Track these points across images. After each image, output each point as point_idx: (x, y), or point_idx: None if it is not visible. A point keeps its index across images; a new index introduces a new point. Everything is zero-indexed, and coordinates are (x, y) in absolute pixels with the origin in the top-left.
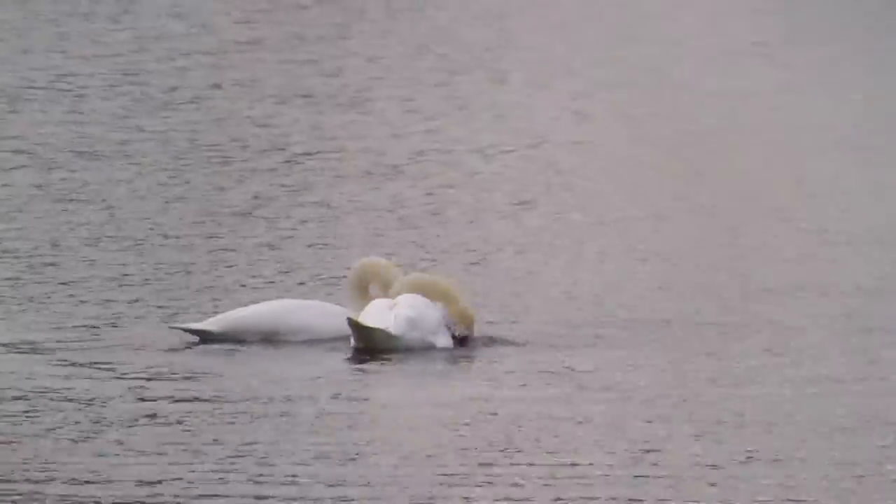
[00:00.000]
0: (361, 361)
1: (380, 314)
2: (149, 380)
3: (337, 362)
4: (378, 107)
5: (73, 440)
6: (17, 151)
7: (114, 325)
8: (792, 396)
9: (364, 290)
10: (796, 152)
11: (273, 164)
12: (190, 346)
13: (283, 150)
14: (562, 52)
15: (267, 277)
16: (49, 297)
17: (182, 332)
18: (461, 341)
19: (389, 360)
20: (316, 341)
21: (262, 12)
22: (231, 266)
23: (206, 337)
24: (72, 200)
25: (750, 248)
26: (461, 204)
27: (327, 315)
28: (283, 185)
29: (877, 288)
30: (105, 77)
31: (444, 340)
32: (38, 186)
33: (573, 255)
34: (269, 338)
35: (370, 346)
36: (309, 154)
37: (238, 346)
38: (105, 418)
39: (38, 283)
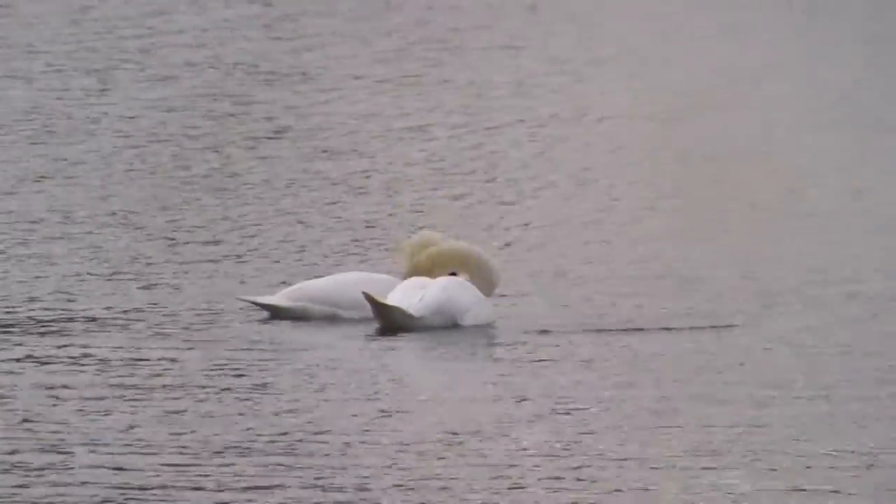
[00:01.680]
0: (380, 339)
1: (406, 292)
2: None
3: (359, 341)
4: (346, 85)
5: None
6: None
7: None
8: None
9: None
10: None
11: (251, 140)
12: (209, 320)
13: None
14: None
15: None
16: (84, 273)
17: (251, 304)
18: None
19: (417, 339)
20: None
21: None
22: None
23: (273, 311)
24: (45, 179)
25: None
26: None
27: (391, 289)
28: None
29: None
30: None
31: (472, 319)
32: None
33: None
34: (335, 312)
35: (388, 324)
36: (285, 131)
37: (274, 322)
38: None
39: (82, 259)
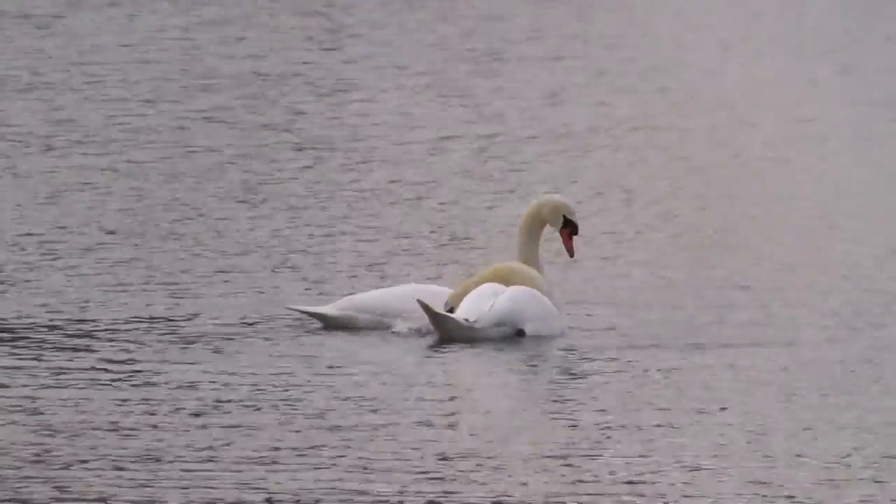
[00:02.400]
0: (443, 352)
1: (476, 300)
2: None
3: (412, 352)
4: (386, 95)
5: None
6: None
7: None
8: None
9: (537, 231)
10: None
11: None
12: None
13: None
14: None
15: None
16: (125, 283)
17: (299, 314)
18: None
19: (474, 350)
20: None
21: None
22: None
23: (322, 320)
24: (82, 189)
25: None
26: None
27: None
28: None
29: None
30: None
31: (535, 331)
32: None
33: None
34: (386, 322)
35: (444, 335)
36: (326, 141)
37: (316, 332)
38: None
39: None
